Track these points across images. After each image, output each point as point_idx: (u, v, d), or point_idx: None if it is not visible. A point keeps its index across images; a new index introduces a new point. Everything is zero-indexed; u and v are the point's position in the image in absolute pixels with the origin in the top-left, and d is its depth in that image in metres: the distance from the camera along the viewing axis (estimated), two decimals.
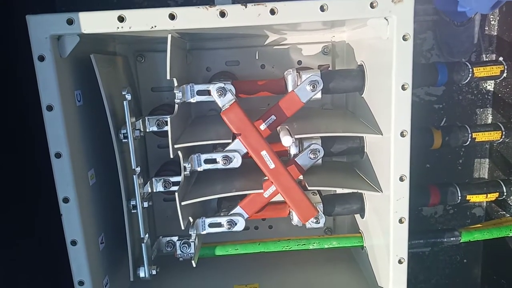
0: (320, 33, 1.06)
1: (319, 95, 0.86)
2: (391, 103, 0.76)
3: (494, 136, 1.04)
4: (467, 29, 1.16)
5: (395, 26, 0.73)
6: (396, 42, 0.73)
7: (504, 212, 1.25)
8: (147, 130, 0.86)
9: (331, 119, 1.02)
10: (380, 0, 0.71)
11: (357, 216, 1.04)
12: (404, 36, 0.73)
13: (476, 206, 1.38)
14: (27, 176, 0.96)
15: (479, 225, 1.07)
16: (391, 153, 0.78)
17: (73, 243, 0.79)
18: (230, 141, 0.83)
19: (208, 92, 0.84)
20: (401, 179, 0.79)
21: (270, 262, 1.09)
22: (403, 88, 0.75)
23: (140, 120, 0.86)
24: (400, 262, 0.83)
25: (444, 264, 1.42)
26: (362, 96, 0.92)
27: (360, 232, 1.02)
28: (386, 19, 0.74)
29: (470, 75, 0.99)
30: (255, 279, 1.05)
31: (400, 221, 0.81)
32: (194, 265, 0.89)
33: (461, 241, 1.04)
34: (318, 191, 0.98)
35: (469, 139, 1.03)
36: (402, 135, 0.77)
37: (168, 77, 0.76)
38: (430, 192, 1.04)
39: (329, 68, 1.06)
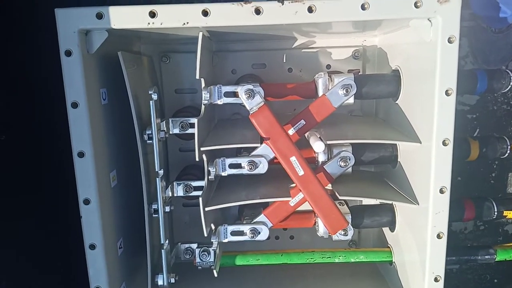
0: (351, 37, 1.03)
1: (351, 100, 0.82)
2: (433, 110, 0.71)
3: None
4: (505, 37, 1.10)
5: (440, 28, 0.68)
6: (440, 45, 0.69)
7: None
8: (170, 132, 0.83)
9: (361, 126, 0.97)
10: (425, 0, 0.67)
11: (385, 229, 0.99)
12: (449, 38, 0.68)
13: (509, 223, 1.31)
14: (46, 175, 0.94)
15: None
16: (431, 163, 0.73)
17: (92, 247, 0.75)
18: (259, 145, 0.80)
19: (235, 94, 0.80)
20: (441, 191, 0.74)
21: (291, 274, 1.04)
22: (447, 93, 0.70)
23: (164, 122, 0.83)
24: (436, 280, 0.78)
25: (473, 284, 1.35)
26: (397, 102, 0.88)
27: (388, 246, 0.97)
28: (430, 20, 0.70)
29: (510, 83, 0.93)
30: None
31: (438, 236, 0.76)
32: (216, 275, 0.84)
33: (496, 260, 0.97)
34: (345, 201, 0.93)
35: (508, 151, 0.98)
36: (444, 143, 0.72)
37: (197, 77, 0.73)
38: (464, 206, 0.98)
39: (359, 73, 1.02)
